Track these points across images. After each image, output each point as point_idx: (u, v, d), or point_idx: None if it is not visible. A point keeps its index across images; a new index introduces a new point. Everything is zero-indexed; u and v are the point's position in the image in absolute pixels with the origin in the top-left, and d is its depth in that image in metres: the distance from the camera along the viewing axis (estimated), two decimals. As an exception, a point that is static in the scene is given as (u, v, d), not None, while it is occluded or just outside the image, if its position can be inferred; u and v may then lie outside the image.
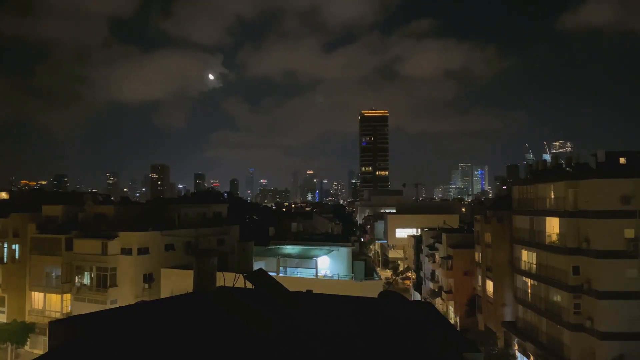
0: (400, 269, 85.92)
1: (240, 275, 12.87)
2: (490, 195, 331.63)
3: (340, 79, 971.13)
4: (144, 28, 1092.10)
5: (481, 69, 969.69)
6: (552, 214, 38.11)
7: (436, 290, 60.26)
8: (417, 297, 70.04)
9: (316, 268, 41.23)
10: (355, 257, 45.43)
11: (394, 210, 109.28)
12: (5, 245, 52.84)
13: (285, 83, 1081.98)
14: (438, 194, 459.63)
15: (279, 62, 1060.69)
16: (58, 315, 47.43)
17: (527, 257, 41.85)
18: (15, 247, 52.56)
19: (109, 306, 42.69)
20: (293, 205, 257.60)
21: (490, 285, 47.71)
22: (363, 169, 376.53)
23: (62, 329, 9.07)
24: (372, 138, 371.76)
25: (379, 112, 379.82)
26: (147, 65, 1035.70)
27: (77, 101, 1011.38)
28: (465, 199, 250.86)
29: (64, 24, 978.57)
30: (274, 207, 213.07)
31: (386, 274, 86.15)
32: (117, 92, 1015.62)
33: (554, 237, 37.65)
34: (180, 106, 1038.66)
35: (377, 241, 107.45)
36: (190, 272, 12.21)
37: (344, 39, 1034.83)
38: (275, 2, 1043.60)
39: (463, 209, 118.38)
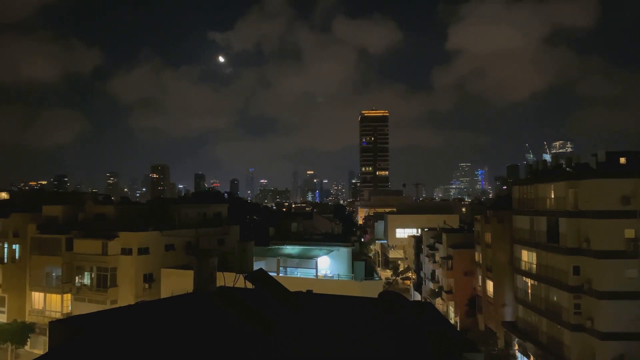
0: (401, 269, 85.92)
1: (240, 275, 12.85)
2: (491, 195, 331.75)
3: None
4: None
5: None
6: (552, 214, 38.12)
7: (436, 290, 60.28)
8: (417, 297, 70.04)
9: (316, 268, 41.22)
10: (355, 257, 45.41)
11: (394, 210, 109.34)
12: (6, 245, 52.81)
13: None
14: (438, 194, 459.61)
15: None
16: (58, 315, 47.45)
17: (527, 257, 41.86)
18: (16, 247, 52.55)
19: (109, 306, 42.70)
20: (293, 206, 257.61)
21: (490, 285, 47.71)
22: (363, 169, 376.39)
23: (62, 329, 9.07)
24: (372, 138, 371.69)
25: (379, 112, 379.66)
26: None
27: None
28: (466, 199, 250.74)
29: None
30: (274, 207, 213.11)
31: (386, 274, 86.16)
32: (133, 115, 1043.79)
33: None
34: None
35: (377, 241, 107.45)
36: (191, 272, 12.21)
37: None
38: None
39: (463, 209, 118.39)
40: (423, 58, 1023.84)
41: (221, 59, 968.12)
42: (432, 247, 63.79)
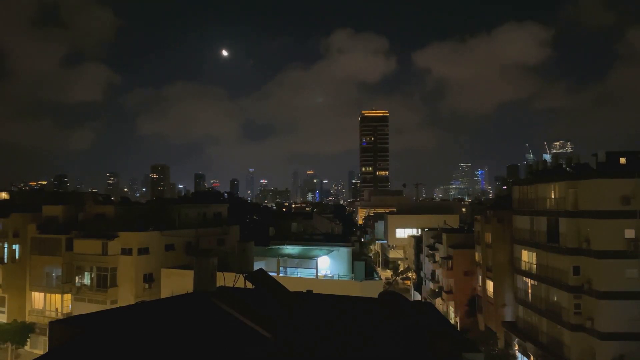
0: (401, 269, 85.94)
1: (240, 275, 12.86)
2: (491, 195, 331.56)
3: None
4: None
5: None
6: (552, 214, 38.12)
7: (436, 290, 60.27)
8: (418, 297, 70.04)
9: (316, 268, 41.21)
10: (355, 257, 45.38)
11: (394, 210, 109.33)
12: (6, 245, 52.82)
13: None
14: (438, 194, 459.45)
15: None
16: (58, 315, 47.45)
17: (528, 257, 41.85)
18: (16, 247, 52.55)
19: (109, 306, 42.69)
20: (293, 206, 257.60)
21: (490, 285, 47.70)
22: (363, 169, 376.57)
23: (62, 329, 9.07)
24: (372, 138, 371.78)
25: (379, 112, 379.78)
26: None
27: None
28: (466, 199, 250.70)
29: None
30: (274, 207, 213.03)
31: (386, 274, 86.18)
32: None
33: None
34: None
35: (377, 241, 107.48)
36: (191, 272, 12.21)
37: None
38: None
39: (463, 209, 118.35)
40: (416, 74, 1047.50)
41: (224, 53, 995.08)
42: (432, 247, 63.78)
